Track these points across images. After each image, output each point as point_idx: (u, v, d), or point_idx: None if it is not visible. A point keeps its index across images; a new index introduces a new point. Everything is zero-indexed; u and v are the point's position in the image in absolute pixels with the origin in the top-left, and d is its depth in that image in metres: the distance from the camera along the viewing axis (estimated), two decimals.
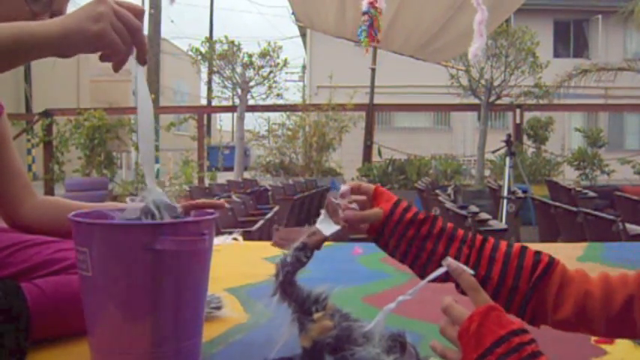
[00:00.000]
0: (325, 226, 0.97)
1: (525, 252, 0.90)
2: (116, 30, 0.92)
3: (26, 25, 0.93)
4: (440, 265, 0.89)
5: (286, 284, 0.91)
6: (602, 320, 0.85)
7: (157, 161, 12.44)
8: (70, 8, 1.17)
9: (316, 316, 0.89)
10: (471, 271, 0.84)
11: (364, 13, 7.07)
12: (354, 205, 0.98)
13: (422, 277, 0.93)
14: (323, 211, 0.99)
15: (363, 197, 1.00)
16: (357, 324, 0.88)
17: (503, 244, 0.92)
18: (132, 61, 0.99)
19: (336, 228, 0.97)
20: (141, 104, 1.02)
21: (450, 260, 0.86)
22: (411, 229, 0.93)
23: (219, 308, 1.35)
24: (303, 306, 0.90)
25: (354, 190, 1.00)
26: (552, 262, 0.89)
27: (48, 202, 1.35)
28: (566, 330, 0.89)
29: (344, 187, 0.99)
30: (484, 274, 0.89)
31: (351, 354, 0.85)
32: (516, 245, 0.92)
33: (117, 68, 0.98)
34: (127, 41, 0.93)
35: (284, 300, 0.92)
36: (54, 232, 1.26)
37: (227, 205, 1.01)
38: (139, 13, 0.95)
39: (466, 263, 0.90)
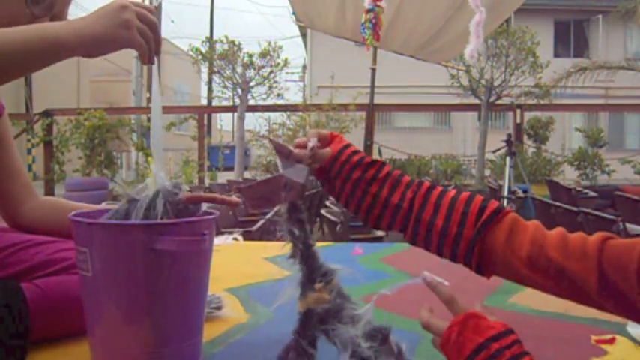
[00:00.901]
0: (291, 172, 0.96)
1: (473, 198, 0.87)
2: (141, 32, 1.00)
3: (52, 28, 0.96)
4: (384, 209, 0.90)
5: (305, 249, 0.93)
6: (555, 283, 0.81)
7: None
8: (72, 10, 1.18)
9: (317, 286, 0.91)
10: (446, 283, 0.84)
11: (369, 11, 7.04)
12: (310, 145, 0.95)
13: (364, 221, 0.93)
14: (278, 161, 0.98)
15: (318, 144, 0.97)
16: (349, 304, 0.90)
17: (452, 191, 0.89)
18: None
19: (301, 168, 0.95)
20: (154, 97, 1.10)
21: (426, 274, 0.85)
22: (357, 171, 0.92)
23: (219, 308, 1.35)
24: (311, 274, 0.92)
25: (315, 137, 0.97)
26: (501, 209, 0.85)
27: (49, 203, 1.35)
28: (518, 282, 0.85)
29: (312, 141, 0.96)
30: (428, 220, 0.86)
31: (332, 329, 0.87)
32: (464, 192, 0.89)
33: (147, 62, 1.05)
34: (149, 40, 1.02)
35: (299, 261, 0.93)
36: (54, 233, 1.26)
37: (239, 201, 1.00)
38: (151, 10, 1.04)
39: (410, 208, 0.88)
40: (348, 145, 0.95)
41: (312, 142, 0.94)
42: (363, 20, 7.24)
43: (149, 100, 14.64)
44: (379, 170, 0.91)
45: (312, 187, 7.35)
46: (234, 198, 1.01)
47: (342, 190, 0.94)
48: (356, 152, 0.94)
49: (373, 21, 6.97)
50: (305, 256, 0.93)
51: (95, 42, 0.97)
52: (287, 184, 0.95)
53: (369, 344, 0.84)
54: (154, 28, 1.03)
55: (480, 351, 0.72)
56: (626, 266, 0.75)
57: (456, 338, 0.75)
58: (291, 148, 0.96)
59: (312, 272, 0.92)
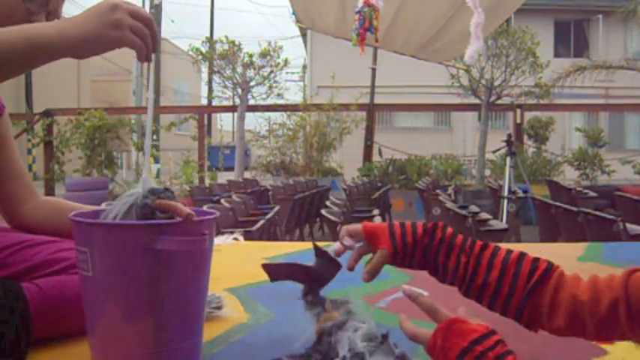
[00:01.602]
0: (323, 267, 1.06)
1: (523, 259, 0.91)
2: (134, 30, 0.98)
3: (41, 29, 0.95)
4: (446, 275, 0.94)
5: (318, 313, 1.01)
6: (591, 325, 0.85)
7: (157, 161, 12.46)
8: (67, 7, 1.18)
9: (327, 306, 0.97)
10: (425, 293, 0.87)
11: (357, 12, 7.02)
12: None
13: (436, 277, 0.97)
14: (314, 257, 1.06)
15: (360, 243, 1.03)
16: (354, 319, 0.94)
17: (502, 251, 0.93)
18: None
19: (334, 268, 1.05)
20: (150, 104, 1.11)
21: (405, 287, 0.88)
22: (418, 251, 0.96)
23: (219, 308, 1.35)
24: (324, 304, 1.00)
25: (349, 234, 1.03)
26: (549, 269, 0.90)
27: (49, 203, 1.35)
28: (562, 335, 0.89)
29: (337, 246, 1.03)
30: (482, 281, 0.91)
31: (335, 338, 0.92)
32: (515, 251, 0.93)
33: (144, 60, 1.03)
34: (145, 37, 1.00)
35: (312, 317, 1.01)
36: (55, 233, 1.26)
37: (191, 214, 0.97)
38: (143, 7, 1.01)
39: (464, 271, 0.92)
40: (392, 232, 0.97)
41: (354, 244, 1.01)
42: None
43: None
44: (432, 239, 0.95)
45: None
46: (185, 209, 0.95)
47: (411, 265, 0.98)
48: (404, 233, 0.97)
49: (358, 22, 6.94)
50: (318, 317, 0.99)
51: (84, 43, 0.96)
52: (314, 276, 1.04)
53: (365, 344, 0.86)
54: (149, 24, 1.01)
55: (465, 354, 0.74)
56: None
57: (442, 344, 0.77)
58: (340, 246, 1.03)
59: (324, 302, 1.01)
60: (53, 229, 1.27)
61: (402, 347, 0.87)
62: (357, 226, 1.02)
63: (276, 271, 1.10)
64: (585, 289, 0.86)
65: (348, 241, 1.01)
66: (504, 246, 0.93)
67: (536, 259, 0.91)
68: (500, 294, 0.90)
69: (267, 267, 1.09)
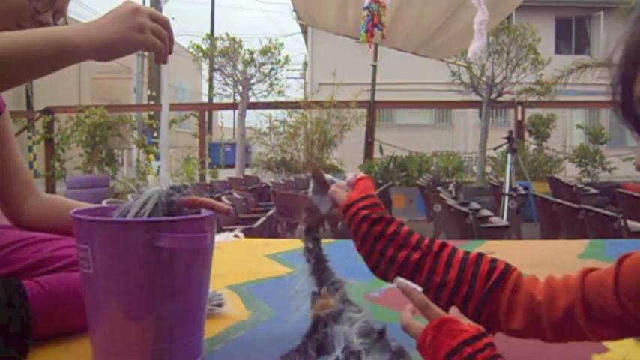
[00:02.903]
0: (317, 199, 1.05)
1: (482, 259, 0.92)
2: (155, 32, 1.00)
3: (66, 32, 0.96)
4: (389, 265, 0.94)
5: (317, 262, 1.01)
6: (549, 326, 0.85)
7: (158, 158, 12.46)
8: (73, 7, 1.18)
9: (322, 291, 0.97)
10: (419, 289, 0.85)
11: (365, 9, 7.01)
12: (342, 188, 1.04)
13: (373, 272, 0.98)
14: (311, 184, 1.04)
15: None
16: (350, 308, 0.94)
17: (460, 251, 0.93)
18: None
19: (327, 200, 1.05)
20: (164, 101, 1.10)
21: (399, 279, 0.87)
22: (365, 225, 0.96)
23: (220, 305, 1.35)
24: (321, 285, 0.99)
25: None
26: (507, 269, 0.90)
27: (50, 201, 1.35)
28: (520, 337, 0.89)
29: (350, 176, 1.06)
30: (439, 280, 0.91)
31: (330, 330, 0.92)
32: (473, 252, 0.93)
33: (162, 61, 1.05)
34: (164, 39, 1.02)
35: (310, 272, 1.01)
36: (56, 230, 1.26)
37: (230, 209, 1.02)
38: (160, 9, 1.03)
39: (414, 269, 0.92)
40: (365, 197, 0.99)
41: (350, 177, 1.03)
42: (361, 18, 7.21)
43: (150, 97, 14.65)
44: (386, 227, 0.95)
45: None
46: (225, 205, 1.00)
47: (354, 238, 0.99)
48: (368, 206, 0.98)
49: (366, 19, 6.93)
50: (317, 269, 0.99)
51: (108, 46, 0.97)
52: (310, 208, 1.05)
53: (361, 340, 0.86)
54: (167, 26, 1.03)
55: (454, 354, 0.74)
56: (604, 287, 0.80)
57: (431, 342, 0.77)
58: (330, 181, 1.04)
59: (322, 283, 0.99)
60: (54, 226, 1.27)
61: (400, 341, 0.87)
62: (366, 177, 1.05)
63: (280, 201, 1.11)
64: (541, 289, 0.86)
65: (350, 177, 1.05)
66: (505, 243, 0.92)
67: (495, 260, 0.91)
68: (458, 294, 0.90)
69: (275, 193, 1.10)
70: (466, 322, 0.78)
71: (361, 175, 1.04)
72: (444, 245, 0.94)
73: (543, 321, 0.85)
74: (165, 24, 1.03)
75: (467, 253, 0.93)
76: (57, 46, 0.94)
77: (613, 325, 0.81)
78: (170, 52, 1.06)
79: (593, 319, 0.81)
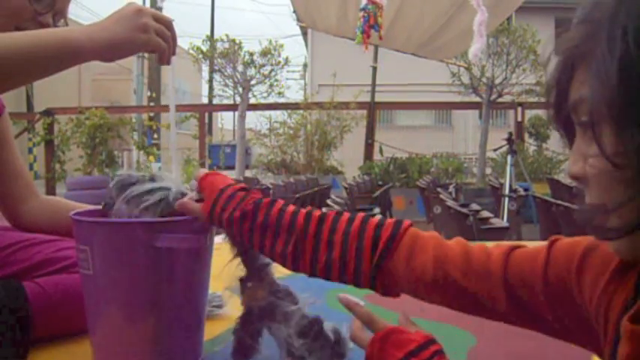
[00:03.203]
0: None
1: (364, 230, 0.84)
2: (159, 33, 1.01)
3: (71, 33, 0.96)
4: (272, 257, 0.89)
5: (243, 251, 0.96)
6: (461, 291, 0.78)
7: (158, 160, 12.46)
8: (73, 9, 1.18)
9: (249, 284, 0.95)
10: (362, 303, 0.84)
11: (361, 10, 7.01)
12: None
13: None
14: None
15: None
16: (282, 302, 0.92)
17: (342, 222, 0.85)
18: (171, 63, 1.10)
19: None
20: (171, 102, 1.12)
21: (341, 296, 0.85)
22: (234, 228, 0.89)
23: (220, 307, 1.35)
24: (249, 273, 0.96)
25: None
26: (395, 235, 0.82)
27: (50, 202, 1.35)
28: (424, 299, 0.83)
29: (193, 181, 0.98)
30: (325, 260, 0.84)
31: (268, 327, 0.92)
32: (357, 221, 0.85)
33: (165, 62, 1.06)
34: (167, 39, 1.03)
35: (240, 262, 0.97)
36: (55, 232, 1.26)
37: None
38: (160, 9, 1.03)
39: (295, 251, 0.86)
40: (215, 203, 0.90)
41: (193, 182, 0.96)
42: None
43: (150, 99, 14.65)
44: (254, 221, 0.87)
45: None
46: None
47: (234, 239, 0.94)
48: (224, 207, 0.89)
49: (362, 20, 6.92)
50: (244, 258, 0.96)
51: (112, 46, 0.97)
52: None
53: (301, 341, 0.85)
54: (170, 26, 1.04)
55: None
56: (530, 276, 0.73)
57: (378, 354, 0.75)
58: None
59: (250, 271, 0.96)
60: (53, 228, 1.27)
61: (333, 323, 0.86)
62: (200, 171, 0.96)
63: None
64: (458, 264, 0.78)
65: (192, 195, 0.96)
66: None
67: (379, 227, 0.83)
68: (346, 271, 0.84)
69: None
70: (414, 330, 0.76)
71: (203, 172, 0.96)
72: (321, 220, 0.86)
73: (458, 296, 0.79)
74: (168, 25, 1.03)
75: (349, 223, 0.85)
76: (61, 47, 0.94)
77: (538, 324, 0.76)
78: (173, 54, 1.06)
79: (517, 305, 0.75)
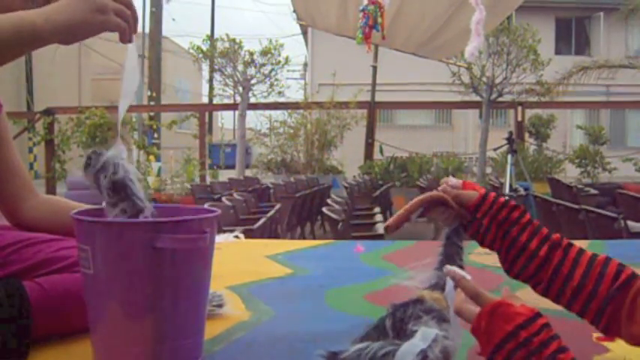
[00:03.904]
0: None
1: (609, 261, 0.91)
2: (118, 12, 0.98)
3: (27, 16, 0.94)
4: (520, 252, 0.94)
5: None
6: None
7: (158, 159, 12.45)
8: None
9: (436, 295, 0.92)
10: (469, 277, 0.84)
11: (361, 11, 7.00)
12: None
13: (502, 264, 0.97)
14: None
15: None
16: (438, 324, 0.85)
17: (588, 252, 0.93)
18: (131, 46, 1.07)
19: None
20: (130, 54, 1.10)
21: (449, 268, 0.86)
22: (504, 211, 0.96)
23: (220, 306, 1.35)
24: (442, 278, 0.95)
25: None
26: (634, 275, 0.89)
27: (49, 201, 1.35)
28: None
29: (454, 181, 1.06)
30: (566, 274, 0.90)
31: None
32: (602, 255, 0.93)
33: (126, 41, 1.04)
34: (128, 18, 1.01)
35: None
36: (55, 231, 1.26)
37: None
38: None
39: (546, 258, 0.92)
40: (488, 191, 1.01)
41: (455, 182, 1.04)
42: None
43: (150, 98, 14.65)
44: (522, 215, 0.96)
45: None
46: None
47: (488, 229, 0.98)
48: (499, 195, 0.99)
49: (362, 20, 6.92)
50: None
51: (70, 28, 0.95)
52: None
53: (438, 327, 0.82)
54: (130, 5, 1.02)
55: (510, 339, 0.73)
56: None
57: (486, 327, 0.76)
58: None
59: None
60: (53, 227, 1.27)
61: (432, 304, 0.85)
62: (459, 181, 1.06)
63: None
64: None
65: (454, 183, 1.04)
66: None
67: (622, 265, 0.90)
68: (582, 291, 0.89)
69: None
70: (519, 304, 0.77)
71: (461, 180, 1.06)
72: (571, 244, 0.94)
73: None
74: (127, 3, 1.01)
75: (595, 254, 0.93)
76: (18, 31, 0.92)
77: None
78: (135, 32, 1.04)
79: None
